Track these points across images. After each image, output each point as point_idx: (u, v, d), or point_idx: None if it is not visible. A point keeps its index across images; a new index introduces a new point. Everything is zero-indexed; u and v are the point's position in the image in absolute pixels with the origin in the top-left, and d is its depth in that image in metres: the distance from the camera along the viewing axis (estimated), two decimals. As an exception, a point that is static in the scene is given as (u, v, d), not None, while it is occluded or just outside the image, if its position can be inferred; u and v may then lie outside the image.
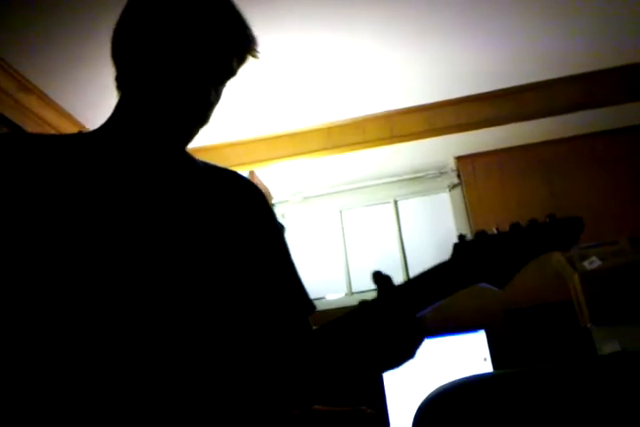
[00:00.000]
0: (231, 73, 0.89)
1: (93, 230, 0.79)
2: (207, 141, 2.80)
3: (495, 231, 0.84)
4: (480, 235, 0.83)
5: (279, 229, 0.97)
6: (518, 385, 0.78)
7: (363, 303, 0.80)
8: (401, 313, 0.78)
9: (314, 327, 0.87)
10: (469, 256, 0.81)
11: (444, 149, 2.96)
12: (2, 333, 0.74)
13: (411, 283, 0.81)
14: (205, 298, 0.82)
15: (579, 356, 2.28)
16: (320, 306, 3.34)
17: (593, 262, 2.25)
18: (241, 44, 0.88)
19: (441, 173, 3.16)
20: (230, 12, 0.86)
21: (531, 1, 2.16)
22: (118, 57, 0.87)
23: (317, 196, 3.24)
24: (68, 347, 0.74)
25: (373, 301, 0.79)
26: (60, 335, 0.74)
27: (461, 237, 0.84)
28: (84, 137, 0.90)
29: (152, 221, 0.83)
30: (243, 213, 0.92)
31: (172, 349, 0.77)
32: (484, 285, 0.82)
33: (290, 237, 3.14)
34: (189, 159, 0.96)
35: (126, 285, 0.78)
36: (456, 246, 0.82)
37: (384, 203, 3.21)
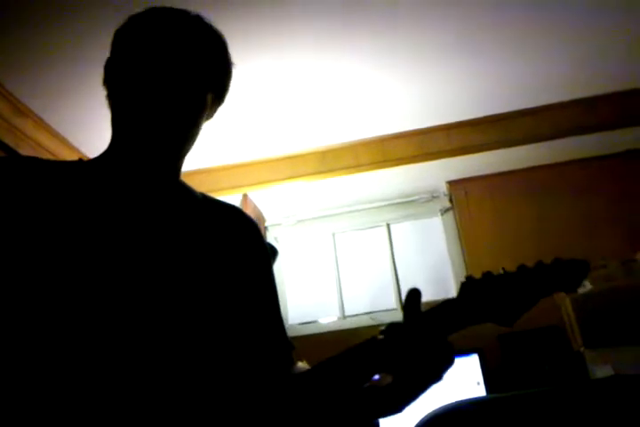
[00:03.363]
0: (214, 78, 0.90)
1: (86, 258, 0.79)
2: (200, 165, 2.82)
3: (502, 271, 0.86)
4: (487, 275, 0.85)
5: (269, 265, 0.99)
6: (512, 409, 0.79)
7: (392, 325, 0.82)
8: (433, 335, 0.80)
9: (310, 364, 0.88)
10: (477, 296, 0.83)
11: (435, 173, 2.99)
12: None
13: (430, 313, 0.83)
14: (189, 333, 0.82)
15: (572, 380, 2.27)
16: (313, 330, 3.33)
17: (584, 286, 2.27)
18: (215, 56, 0.90)
19: (433, 197, 3.18)
20: (194, 25, 0.90)
21: (521, 29, 2.21)
22: (107, 84, 0.90)
23: (311, 219, 3.25)
24: (64, 354, 0.74)
25: (405, 323, 0.82)
26: (56, 348, 0.75)
27: (469, 277, 0.85)
28: (83, 165, 0.91)
29: (144, 252, 0.84)
30: (233, 246, 0.93)
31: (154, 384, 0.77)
32: (491, 323, 0.84)
33: (283, 260, 3.14)
34: (187, 191, 0.97)
35: (113, 316, 0.78)
36: (463, 285, 0.84)
37: (377, 226, 3.23)
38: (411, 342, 0.79)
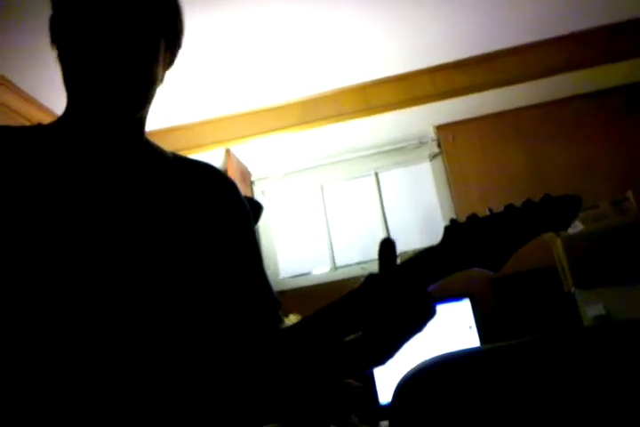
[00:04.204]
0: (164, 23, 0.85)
1: (54, 228, 0.77)
2: (179, 121, 2.74)
3: (488, 213, 0.81)
4: (472, 218, 0.80)
5: (249, 224, 0.95)
6: (499, 361, 0.77)
7: (371, 276, 0.78)
8: (411, 285, 0.76)
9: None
10: (460, 241, 0.78)
11: (423, 118, 2.92)
12: None
13: (408, 263, 0.79)
14: (170, 297, 0.80)
15: (563, 320, 2.29)
16: (305, 282, 3.32)
17: (575, 227, 2.25)
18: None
19: (421, 142, 3.12)
20: None
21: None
22: (56, 43, 0.85)
23: (297, 171, 3.20)
24: (42, 345, 0.73)
25: (381, 274, 0.78)
26: (30, 334, 0.73)
27: (453, 220, 0.80)
28: (41, 130, 0.87)
29: (114, 217, 0.81)
30: (210, 207, 0.90)
31: (132, 350, 0.75)
32: (477, 269, 0.80)
33: (271, 214, 3.11)
34: (155, 151, 0.93)
35: (87, 284, 0.76)
36: (447, 230, 0.79)
37: (365, 176, 3.18)
38: (385, 293, 0.76)
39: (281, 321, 0.91)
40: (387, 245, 0.78)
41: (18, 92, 2.37)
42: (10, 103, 2.33)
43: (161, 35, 0.84)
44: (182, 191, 0.88)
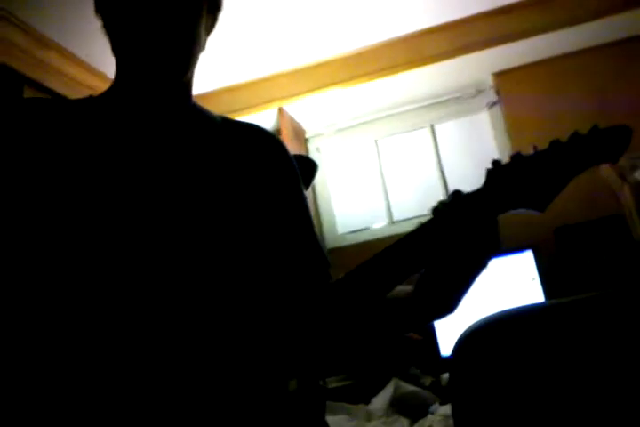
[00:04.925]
0: None
1: (104, 201, 0.79)
2: (231, 81, 2.74)
3: (532, 151, 0.79)
4: (515, 157, 0.78)
5: (298, 186, 0.95)
6: (563, 317, 0.76)
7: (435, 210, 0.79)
8: (479, 214, 0.77)
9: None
10: (502, 182, 0.77)
11: (479, 65, 2.80)
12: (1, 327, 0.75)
13: (447, 207, 0.79)
14: (219, 260, 0.81)
15: (633, 275, 2.22)
16: (362, 237, 3.32)
17: (644, 173, 2.15)
18: None
19: (478, 91, 3.02)
20: None
21: None
22: (101, 12, 0.86)
23: (351, 127, 3.17)
24: (66, 333, 0.74)
25: (448, 210, 0.79)
26: (58, 316, 0.75)
27: (496, 162, 0.79)
28: (92, 101, 0.89)
29: (163, 182, 0.82)
30: (258, 169, 0.90)
31: (179, 334, 0.76)
32: (521, 210, 0.78)
33: (327, 171, 3.11)
34: (203, 115, 0.94)
35: (137, 249, 0.78)
36: (489, 172, 0.78)
37: (420, 128, 3.12)
38: (433, 242, 0.77)
39: (331, 280, 0.92)
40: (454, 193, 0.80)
41: (77, 61, 2.41)
42: (70, 73, 2.39)
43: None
44: (230, 154, 0.89)
